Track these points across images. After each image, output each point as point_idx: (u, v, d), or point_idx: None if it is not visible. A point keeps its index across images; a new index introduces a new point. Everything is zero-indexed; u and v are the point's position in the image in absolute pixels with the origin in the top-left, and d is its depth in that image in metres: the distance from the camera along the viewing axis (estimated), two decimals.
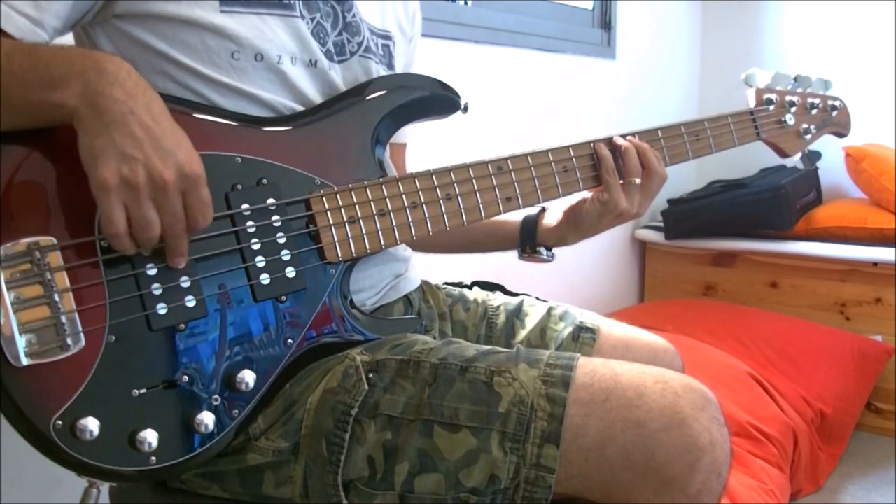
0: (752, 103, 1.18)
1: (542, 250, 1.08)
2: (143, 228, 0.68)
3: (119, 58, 0.70)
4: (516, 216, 1.08)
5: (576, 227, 1.04)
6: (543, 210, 1.09)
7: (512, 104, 2.18)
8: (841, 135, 1.28)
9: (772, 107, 1.18)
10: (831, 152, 2.57)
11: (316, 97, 0.89)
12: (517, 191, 0.94)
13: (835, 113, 1.25)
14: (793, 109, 1.20)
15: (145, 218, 0.67)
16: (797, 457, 1.96)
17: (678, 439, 0.72)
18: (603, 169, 0.99)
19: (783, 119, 1.19)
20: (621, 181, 0.99)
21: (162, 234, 0.70)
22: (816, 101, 1.22)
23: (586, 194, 1.02)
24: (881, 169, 2.48)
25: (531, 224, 1.08)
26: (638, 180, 0.99)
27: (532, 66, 2.26)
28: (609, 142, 1.00)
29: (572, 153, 0.99)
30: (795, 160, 1.24)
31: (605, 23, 2.61)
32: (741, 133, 1.14)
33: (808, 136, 1.22)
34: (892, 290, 2.40)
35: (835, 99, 1.25)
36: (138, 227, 0.68)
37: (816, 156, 1.25)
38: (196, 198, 0.70)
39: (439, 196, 0.89)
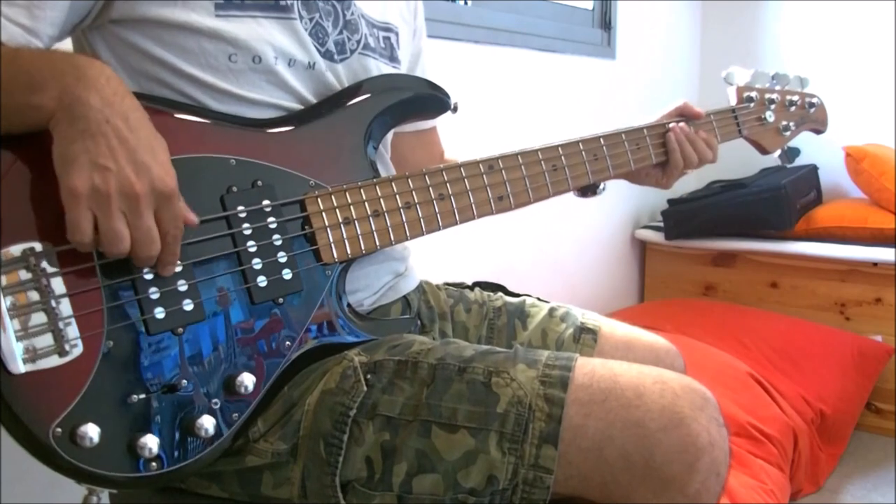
0: (733, 101, 1.20)
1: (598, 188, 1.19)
2: (111, 242, 0.66)
3: (101, 63, 0.69)
4: None
5: (633, 180, 1.16)
6: None
7: (512, 104, 2.18)
8: (819, 131, 1.31)
9: (752, 104, 1.20)
10: (831, 152, 2.58)
11: (314, 100, 0.89)
12: (508, 190, 0.95)
13: (812, 110, 1.27)
14: (772, 107, 1.22)
15: (114, 230, 0.66)
16: (797, 457, 1.95)
17: (677, 439, 0.72)
18: (673, 159, 1.11)
19: (763, 116, 1.21)
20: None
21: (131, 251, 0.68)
22: (795, 98, 1.24)
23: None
24: (881, 169, 2.48)
25: None
26: (690, 171, 1.13)
27: (532, 66, 2.25)
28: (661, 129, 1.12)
29: (561, 152, 0.99)
30: (775, 157, 1.26)
31: (605, 23, 2.61)
32: (724, 130, 1.17)
33: (788, 133, 1.24)
34: (892, 290, 2.40)
35: (812, 96, 1.27)
36: (107, 240, 0.66)
37: (795, 153, 1.27)
38: (168, 213, 0.68)
39: (432, 196, 0.89)
